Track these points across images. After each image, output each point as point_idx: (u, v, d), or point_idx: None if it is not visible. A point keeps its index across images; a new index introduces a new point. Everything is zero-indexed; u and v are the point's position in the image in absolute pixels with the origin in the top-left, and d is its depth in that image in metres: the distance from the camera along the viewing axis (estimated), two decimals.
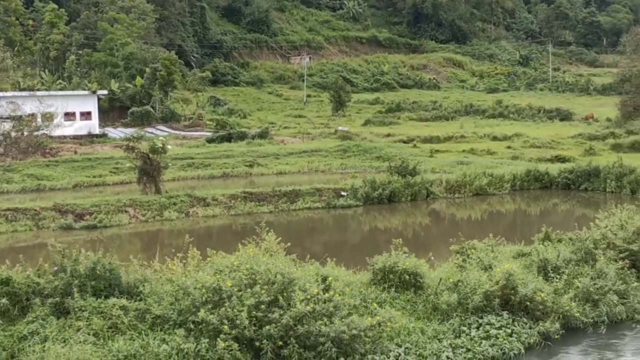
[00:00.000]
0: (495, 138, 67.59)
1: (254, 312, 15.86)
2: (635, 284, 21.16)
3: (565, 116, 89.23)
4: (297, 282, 17.05)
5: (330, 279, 18.00)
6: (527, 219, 39.70)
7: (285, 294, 16.53)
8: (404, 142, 66.37)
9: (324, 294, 16.90)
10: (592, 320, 19.51)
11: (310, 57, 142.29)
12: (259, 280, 16.62)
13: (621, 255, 21.89)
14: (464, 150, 60.08)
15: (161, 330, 16.37)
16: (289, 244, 20.24)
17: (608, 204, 33.99)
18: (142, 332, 16.20)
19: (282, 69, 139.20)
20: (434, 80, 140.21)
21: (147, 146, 41.42)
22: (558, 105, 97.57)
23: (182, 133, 79.74)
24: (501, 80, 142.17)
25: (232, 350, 15.29)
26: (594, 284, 20.06)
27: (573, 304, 19.38)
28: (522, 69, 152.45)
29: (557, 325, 18.69)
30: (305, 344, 15.81)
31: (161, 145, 41.04)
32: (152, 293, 17.59)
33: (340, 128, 76.45)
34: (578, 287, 20.06)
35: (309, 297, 16.45)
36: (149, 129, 77.82)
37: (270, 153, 60.81)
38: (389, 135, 72.78)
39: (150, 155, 40.84)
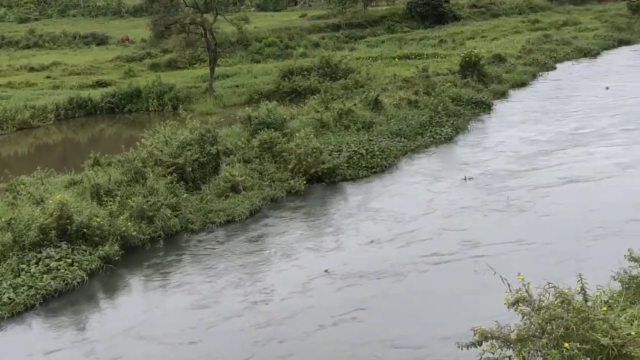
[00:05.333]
0: (32, 69, 64.99)
1: None
2: (185, 195, 22.25)
3: (101, 40, 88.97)
4: None
5: None
6: (76, 148, 39.30)
7: None
8: None
9: None
10: (149, 237, 20.19)
11: None
12: None
13: (169, 169, 22.84)
14: (0, 85, 56.96)
15: None
16: None
17: (152, 122, 35.06)
18: None
19: None
20: None
21: None
22: (93, 30, 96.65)
23: None
24: (31, 8, 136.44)
25: None
26: (147, 201, 20.68)
27: (129, 223, 19.82)
28: None
29: (116, 247, 19.02)
30: None
31: None
32: None
33: None
34: (132, 206, 20.51)
35: None
36: None
37: None
38: None
39: None
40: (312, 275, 17.28)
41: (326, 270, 17.43)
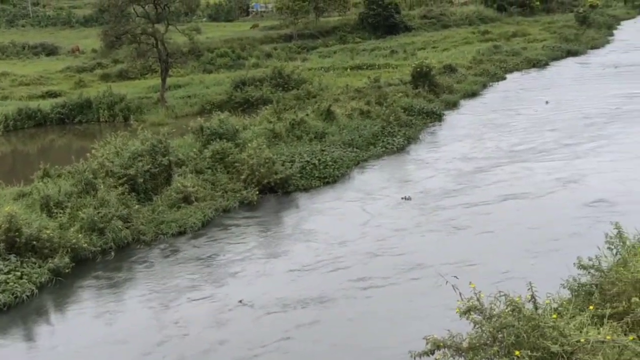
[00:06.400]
0: None
1: None
2: (137, 206, 22.05)
3: (51, 51, 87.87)
4: None
5: None
6: (25, 159, 38.71)
7: None
8: None
9: None
10: (100, 248, 19.95)
11: None
12: None
13: (120, 181, 22.62)
14: None
15: None
16: None
17: (103, 133, 34.70)
18: None
19: None
20: None
21: None
22: (42, 40, 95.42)
23: None
24: None
25: None
26: (98, 213, 20.44)
27: (80, 235, 19.56)
28: (0, 5, 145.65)
29: (67, 259, 18.74)
30: None
31: None
32: None
33: None
34: (83, 218, 20.25)
35: None
36: None
37: None
38: None
39: None
40: (234, 305, 16.53)
41: (240, 301, 16.66)
